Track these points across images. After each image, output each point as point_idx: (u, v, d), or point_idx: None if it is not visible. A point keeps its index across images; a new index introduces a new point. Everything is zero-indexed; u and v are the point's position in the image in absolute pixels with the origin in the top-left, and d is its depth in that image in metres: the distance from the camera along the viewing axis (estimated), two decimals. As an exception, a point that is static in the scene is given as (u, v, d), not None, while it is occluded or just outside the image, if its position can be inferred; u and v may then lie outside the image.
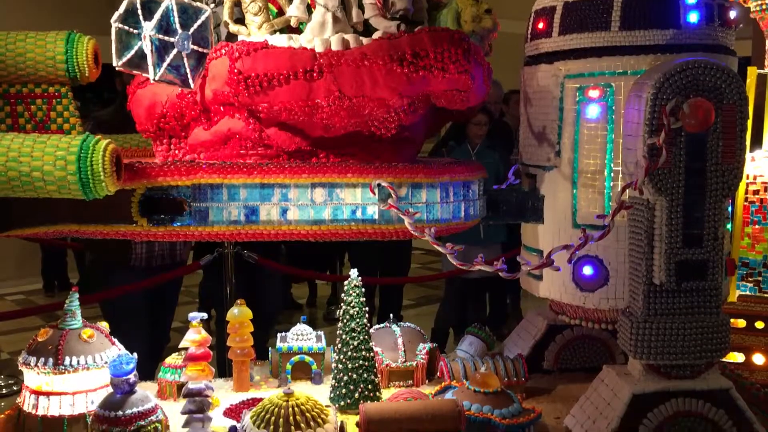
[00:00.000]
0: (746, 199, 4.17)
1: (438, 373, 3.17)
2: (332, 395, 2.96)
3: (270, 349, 3.30)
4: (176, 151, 2.71)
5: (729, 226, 3.15)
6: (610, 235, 2.62)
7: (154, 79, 2.45)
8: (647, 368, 2.57)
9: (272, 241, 4.66)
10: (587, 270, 2.79)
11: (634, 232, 2.60)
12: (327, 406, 2.63)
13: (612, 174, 2.75)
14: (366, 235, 2.65)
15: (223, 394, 3.10)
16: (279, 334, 3.30)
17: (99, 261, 4.38)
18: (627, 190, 2.48)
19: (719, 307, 2.57)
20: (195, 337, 2.78)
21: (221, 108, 2.61)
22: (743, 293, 4.19)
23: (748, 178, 4.15)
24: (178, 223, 2.51)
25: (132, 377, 2.60)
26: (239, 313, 3.12)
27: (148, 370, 3.82)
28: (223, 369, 4.26)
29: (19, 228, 2.43)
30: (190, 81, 2.50)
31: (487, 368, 2.92)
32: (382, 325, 3.33)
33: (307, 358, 3.22)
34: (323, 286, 7.82)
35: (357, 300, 2.92)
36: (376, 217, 2.60)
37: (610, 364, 2.81)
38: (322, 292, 7.87)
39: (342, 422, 2.78)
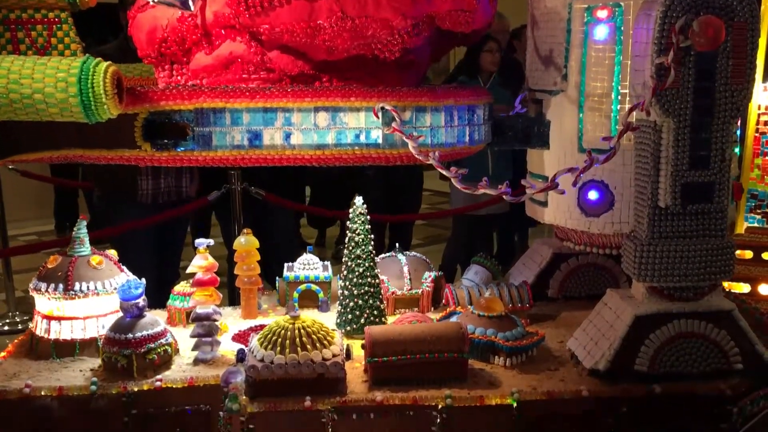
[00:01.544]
0: (757, 130, 4.12)
1: (443, 301, 3.20)
2: (338, 321, 3.00)
3: (277, 278, 3.34)
4: (178, 77, 2.69)
5: (737, 149, 3.12)
6: (616, 159, 2.61)
7: (153, 2, 2.41)
8: (650, 291, 2.58)
9: (296, 183, 4.69)
10: (592, 194, 2.78)
11: (640, 154, 2.57)
12: (333, 329, 2.67)
13: (619, 97, 2.71)
14: (370, 160, 2.64)
15: (232, 321, 3.15)
16: (286, 264, 3.33)
17: (106, 198, 4.40)
18: (634, 112, 2.45)
19: (724, 230, 2.56)
20: (202, 263, 2.81)
21: (222, 31, 2.57)
22: (751, 225, 4.18)
23: (759, 108, 4.09)
24: (182, 148, 2.51)
25: (141, 301, 2.65)
26: (246, 242, 3.14)
27: (157, 305, 3.87)
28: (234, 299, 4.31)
29: (24, 153, 2.44)
30: (190, 3, 2.47)
31: (491, 294, 2.94)
32: (388, 254, 3.35)
33: (314, 287, 3.26)
34: (332, 226, 7.85)
35: (362, 227, 2.92)
36: (380, 141, 2.59)
37: (613, 288, 2.82)
38: (330, 233, 7.91)
39: (348, 346, 2.83)
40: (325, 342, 2.53)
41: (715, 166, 2.49)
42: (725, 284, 3.63)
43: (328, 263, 3.35)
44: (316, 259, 3.32)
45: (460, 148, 2.70)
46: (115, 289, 2.75)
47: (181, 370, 2.66)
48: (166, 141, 2.48)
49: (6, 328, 5.38)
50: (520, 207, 3.24)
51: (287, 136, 2.55)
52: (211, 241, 2.85)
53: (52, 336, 2.74)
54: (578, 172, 2.45)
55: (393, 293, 3.18)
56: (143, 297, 2.66)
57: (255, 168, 4.59)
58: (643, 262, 2.53)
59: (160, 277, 4.44)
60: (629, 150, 2.68)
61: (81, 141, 2.43)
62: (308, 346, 2.49)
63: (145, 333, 2.61)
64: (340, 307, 3.01)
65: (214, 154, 2.53)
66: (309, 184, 7.45)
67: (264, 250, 3.16)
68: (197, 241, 2.82)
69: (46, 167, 7.75)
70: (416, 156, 2.52)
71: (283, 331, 2.52)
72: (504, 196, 2.47)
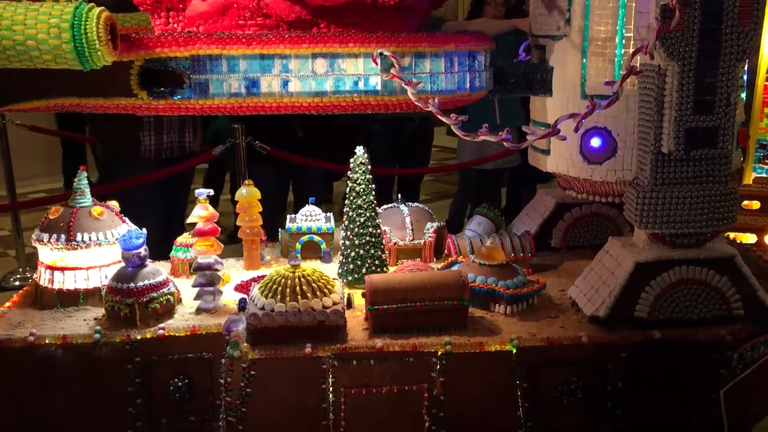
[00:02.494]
0: (767, 79, 4.04)
1: (445, 251, 3.19)
2: (340, 271, 3.01)
3: (280, 230, 3.34)
4: (174, 24, 2.65)
5: (743, 94, 3.05)
6: (620, 105, 2.57)
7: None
8: (652, 238, 2.56)
9: (307, 140, 4.67)
10: (595, 142, 2.74)
11: (644, 99, 2.53)
12: (334, 278, 2.68)
13: (623, 41, 2.66)
14: (369, 108, 2.61)
15: (235, 272, 3.16)
16: (288, 216, 3.33)
17: (109, 154, 4.40)
18: (638, 56, 2.40)
19: (728, 176, 2.52)
20: (202, 213, 2.81)
21: (218, -23, 2.53)
22: (759, 175, 4.13)
23: (770, 56, 4.01)
24: (179, 96, 2.48)
25: (142, 251, 2.66)
26: (248, 194, 3.13)
27: (163, 260, 3.89)
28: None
29: (19, 102, 2.43)
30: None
31: (492, 243, 2.93)
32: (390, 205, 3.33)
33: (317, 238, 3.26)
34: (340, 182, 7.84)
35: (363, 177, 2.90)
36: (378, 88, 2.56)
37: (615, 236, 2.80)
38: (338, 188, 7.91)
39: (349, 295, 2.84)
40: (326, 290, 2.54)
41: (720, 110, 2.44)
42: (731, 235, 3.61)
43: (330, 215, 3.35)
44: (318, 210, 3.31)
45: (461, 95, 2.67)
46: (117, 239, 2.76)
47: (183, 319, 2.68)
48: (162, 89, 2.46)
49: (17, 283, 5.44)
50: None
51: (285, 83, 2.52)
52: (211, 191, 2.84)
53: (56, 286, 2.76)
54: (580, 117, 2.41)
55: (395, 244, 3.17)
56: (145, 247, 2.67)
57: (261, 123, 4.60)
58: (645, 208, 2.51)
59: (166, 232, 4.46)
60: (633, 96, 2.63)
61: (76, 89, 2.41)
62: (308, 295, 2.50)
63: (146, 282, 2.63)
64: (341, 257, 3.01)
65: (211, 102, 2.51)
66: (315, 138, 7.40)
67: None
68: (197, 191, 2.82)
69: (54, 123, 7.75)
70: (415, 103, 2.48)
71: (283, 280, 2.52)
72: (504, 143, 2.43)
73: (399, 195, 3.43)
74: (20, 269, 5.61)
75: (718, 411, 2.49)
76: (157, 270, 2.71)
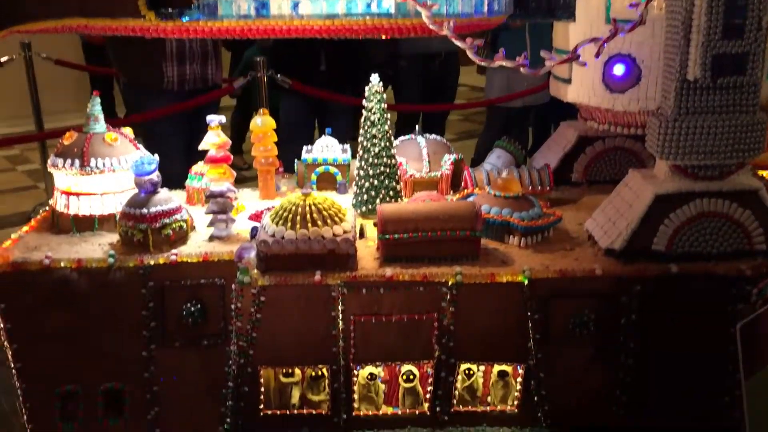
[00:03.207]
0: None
1: (462, 184, 3.14)
2: (354, 201, 2.98)
3: (296, 160, 3.31)
4: (184, -56, 2.58)
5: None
6: (645, 30, 2.46)
7: None
8: (674, 169, 2.47)
9: (334, 75, 4.62)
10: (618, 69, 2.64)
11: (671, 24, 2.40)
12: (346, 208, 2.65)
13: (651, -39, 2.51)
14: (382, 31, 2.53)
15: (250, 202, 3.15)
16: (305, 147, 3.29)
17: (133, 86, 4.39)
18: (665, -24, 2.27)
19: (756, 105, 2.41)
20: (215, 140, 2.79)
21: None
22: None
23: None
24: (187, 18, 2.43)
25: (155, 177, 2.65)
26: (262, 123, 3.10)
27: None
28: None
29: (27, 21, 2.40)
30: None
31: (509, 174, 2.87)
32: (407, 136, 3.27)
33: (332, 169, 3.22)
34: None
35: (378, 106, 2.84)
36: (392, 10, 2.47)
37: (636, 168, 2.71)
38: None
39: (361, 225, 2.81)
40: (336, 219, 2.52)
41: (750, 35, 2.31)
42: (763, 173, 3.48)
43: (347, 146, 3.30)
44: (334, 141, 3.27)
45: (478, 19, 2.57)
46: (130, 165, 2.75)
47: (196, 245, 2.69)
48: (170, 10, 2.41)
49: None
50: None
51: (295, 5, 2.45)
52: (223, 118, 2.81)
53: (71, 211, 2.78)
54: (601, 41, 2.30)
55: (411, 176, 3.12)
56: (157, 173, 2.66)
57: (288, 57, 4.53)
58: (668, 139, 2.41)
59: (189, 164, 4.47)
60: (659, 20, 2.51)
61: (83, 9, 2.37)
62: (319, 223, 2.48)
63: (159, 209, 2.63)
64: (355, 187, 2.97)
65: (220, 24, 2.45)
66: (342, 73, 7.33)
67: None
68: (209, 117, 2.79)
69: (82, 58, 7.75)
70: (430, 27, 2.39)
71: (294, 208, 2.51)
72: (521, 69, 2.35)
73: (417, 126, 3.36)
74: (49, 201, 5.69)
75: (733, 346, 2.43)
76: (170, 197, 2.71)
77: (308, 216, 2.48)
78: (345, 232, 2.50)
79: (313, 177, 3.22)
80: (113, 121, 2.99)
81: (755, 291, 2.39)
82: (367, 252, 2.63)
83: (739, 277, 2.42)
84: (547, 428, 2.63)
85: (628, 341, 2.51)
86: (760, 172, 3.40)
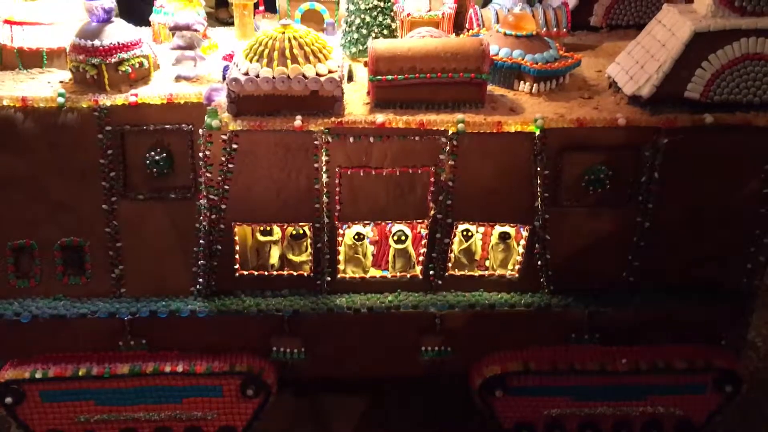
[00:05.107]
0: None
1: (467, 25, 2.75)
2: (343, 41, 2.61)
3: (279, -4, 2.90)
4: None
5: None
6: None
7: None
8: (718, 2, 2.09)
9: None
10: None
11: None
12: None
13: None
14: None
15: (225, 42, 2.77)
16: (288, -20, 2.87)
17: None
18: None
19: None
20: (178, -39, 2.38)
21: None
22: None
23: None
24: None
25: (107, 3, 2.27)
26: (237, -50, 2.67)
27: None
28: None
29: None
30: None
31: (522, 10, 2.48)
32: (405, -31, 2.84)
33: (318, 6, 2.82)
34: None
35: (371, -75, 2.42)
36: None
37: (672, 2, 2.33)
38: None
39: (350, 67, 2.47)
40: (320, 56, 2.16)
41: None
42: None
43: (336, -19, 2.88)
44: (322, -26, 2.84)
45: None
46: (80, -10, 2.36)
47: (160, 86, 2.34)
48: None
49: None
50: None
51: None
52: (187, -67, 2.39)
53: (16, 44, 2.41)
54: None
55: (409, 15, 2.73)
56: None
57: None
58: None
59: None
60: None
61: None
62: (300, 59, 2.13)
63: (114, 41, 2.26)
64: (344, 25, 2.60)
65: None
66: None
67: None
68: (171, -67, 2.36)
69: None
70: None
71: (271, 42, 2.15)
72: None
73: (416, -42, 2.92)
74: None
75: (765, 207, 2.18)
76: (129, 28, 2.34)
77: (287, 51, 2.12)
78: (330, 71, 2.15)
79: (297, 15, 2.83)
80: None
81: (799, 145, 2.09)
82: (357, 97, 2.30)
83: (781, 127, 2.12)
84: (549, 294, 2.42)
85: (647, 201, 2.23)
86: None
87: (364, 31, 2.54)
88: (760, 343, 3.27)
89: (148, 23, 2.72)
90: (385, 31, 2.55)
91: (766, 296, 3.03)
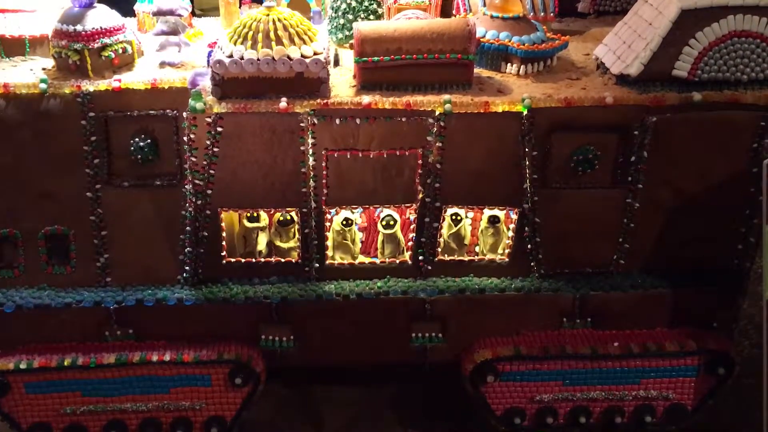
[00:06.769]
0: None
1: (454, 11, 2.74)
2: (330, 27, 2.59)
3: (264, -16, 2.87)
4: None
5: None
6: None
7: None
8: (704, -21, 2.09)
9: None
10: None
11: None
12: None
13: None
14: None
15: (211, 30, 2.75)
16: (274, -31, 2.85)
17: None
18: None
19: None
20: (161, -55, 2.35)
21: None
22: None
23: None
24: None
25: (89, -12, 2.24)
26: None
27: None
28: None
29: None
30: None
31: (508, -8, 2.46)
32: (392, -45, 2.83)
33: (305, -6, 2.81)
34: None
35: None
36: None
37: (658, -17, 2.32)
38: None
39: (336, 51, 2.45)
40: (305, 38, 2.14)
41: None
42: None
43: (322, -31, 2.86)
44: (310, -38, 2.83)
45: None
46: (63, -24, 2.33)
47: (144, 72, 2.32)
48: None
49: None
50: None
51: None
52: None
53: (-2, 32, 2.38)
54: None
55: (395, 2, 2.72)
56: (93, -17, 2.25)
57: None
58: (700, -60, 2.02)
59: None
60: None
61: None
62: (284, 41, 2.10)
63: (97, 26, 2.24)
64: (330, 11, 2.58)
65: None
66: None
67: None
68: None
69: None
70: None
71: (255, 24, 2.12)
72: None
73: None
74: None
75: (755, 186, 2.16)
76: (112, 14, 2.32)
77: (272, 33, 2.11)
78: (316, 53, 2.13)
79: (283, 3, 2.80)
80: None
81: (786, 124, 2.08)
82: (343, 80, 2.28)
83: (769, 106, 2.11)
84: (539, 278, 2.39)
85: (637, 181, 2.22)
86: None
87: (351, 16, 2.52)
88: (752, 330, 3.25)
89: (132, 13, 2.69)
90: (372, 17, 2.53)
91: (756, 284, 3.01)
